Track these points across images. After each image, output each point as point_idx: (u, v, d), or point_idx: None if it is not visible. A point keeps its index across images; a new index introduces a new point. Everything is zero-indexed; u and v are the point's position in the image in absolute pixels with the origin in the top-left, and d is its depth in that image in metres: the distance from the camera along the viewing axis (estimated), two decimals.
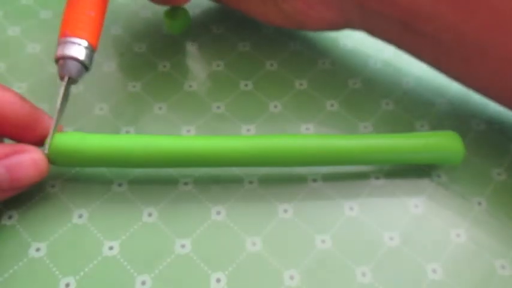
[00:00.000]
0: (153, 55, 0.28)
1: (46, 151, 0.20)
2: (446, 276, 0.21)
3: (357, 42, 0.29)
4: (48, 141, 0.20)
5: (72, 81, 0.21)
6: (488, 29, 0.20)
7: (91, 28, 0.21)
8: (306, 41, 0.29)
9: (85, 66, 0.21)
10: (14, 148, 0.20)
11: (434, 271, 0.21)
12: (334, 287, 0.20)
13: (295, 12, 0.24)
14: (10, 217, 0.21)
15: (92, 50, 0.21)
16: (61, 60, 0.21)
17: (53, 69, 0.27)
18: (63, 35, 0.21)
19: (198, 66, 0.28)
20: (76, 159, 0.21)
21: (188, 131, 0.25)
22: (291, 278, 0.20)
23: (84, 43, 0.21)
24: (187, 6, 0.30)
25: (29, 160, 0.20)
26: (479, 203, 0.23)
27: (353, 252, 0.21)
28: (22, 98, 0.20)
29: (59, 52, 0.21)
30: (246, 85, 0.27)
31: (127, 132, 0.25)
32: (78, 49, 0.21)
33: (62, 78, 0.21)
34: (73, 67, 0.21)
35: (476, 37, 0.20)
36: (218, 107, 0.26)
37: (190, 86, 0.27)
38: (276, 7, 0.25)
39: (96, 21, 0.22)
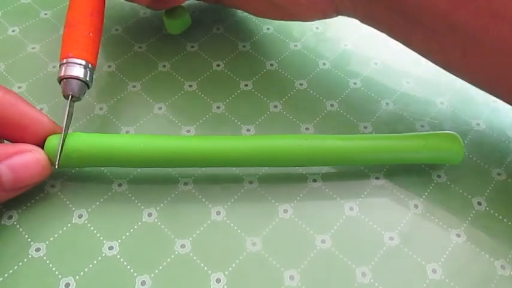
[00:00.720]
0: (153, 55, 0.28)
1: (56, 166, 0.21)
2: (446, 276, 0.21)
3: (357, 43, 0.29)
4: (57, 156, 0.21)
5: (75, 98, 0.22)
6: (481, 17, 0.20)
7: (90, 48, 0.23)
8: (306, 42, 0.29)
9: (87, 84, 0.23)
10: (17, 148, 0.20)
11: (434, 271, 0.21)
12: (334, 287, 0.20)
13: (284, 2, 0.24)
14: (10, 217, 0.21)
15: (92, 68, 0.23)
16: (64, 80, 0.22)
17: (53, 69, 0.27)
18: (65, 56, 0.22)
19: (198, 66, 0.28)
20: (76, 159, 0.21)
21: (188, 131, 0.25)
22: (291, 278, 0.20)
23: (85, 63, 0.22)
24: (187, 6, 0.30)
25: (32, 160, 0.20)
26: (479, 203, 0.23)
27: (353, 252, 0.21)
28: (23, 100, 0.21)
29: (62, 73, 0.22)
30: (246, 85, 0.27)
31: (127, 132, 0.25)
32: (79, 69, 0.22)
33: (66, 96, 0.22)
34: (76, 86, 0.22)
35: (468, 26, 0.20)
36: (218, 107, 0.26)
37: (190, 86, 0.27)
38: (267, 1, 0.25)
39: (95, 40, 0.23)
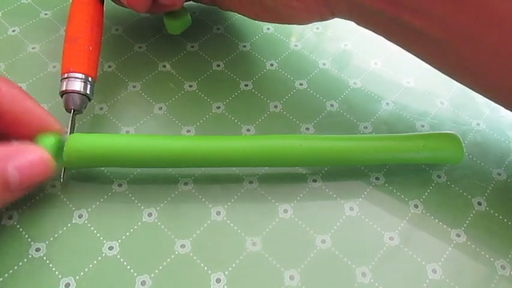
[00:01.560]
0: (153, 55, 0.28)
1: (62, 180, 0.22)
2: (446, 276, 0.21)
3: (357, 43, 0.29)
4: (62, 172, 0.22)
5: (77, 112, 0.23)
6: (479, 23, 0.20)
7: (91, 62, 0.24)
8: (306, 42, 0.29)
9: (88, 97, 0.23)
10: (21, 148, 0.20)
11: (434, 271, 0.21)
12: (334, 287, 0.20)
13: (277, 5, 0.24)
14: (10, 217, 0.21)
15: (92, 82, 0.23)
16: (66, 95, 0.23)
17: (53, 68, 0.27)
18: (66, 71, 0.23)
19: (198, 66, 0.28)
20: (76, 159, 0.21)
21: (188, 131, 0.25)
22: (291, 278, 0.20)
23: (86, 77, 0.23)
24: (187, 6, 0.30)
25: (37, 159, 0.20)
26: (479, 203, 0.23)
27: (353, 252, 0.21)
28: (21, 94, 0.21)
29: (64, 87, 0.23)
30: (246, 85, 0.27)
31: (127, 132, 0.25)
32: (80, 83, 0.23)
33: (68, 110, 0.23)
34: (77, 100, 0.23)
35: (466, 31, 0.20)
36: (218, 107, 0.26)
37: (190, 86, 0.27)
38: (261, 5, 0.25)
39: (94, 54, 0.24)
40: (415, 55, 0.24)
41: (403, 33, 0.22)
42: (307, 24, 0.26)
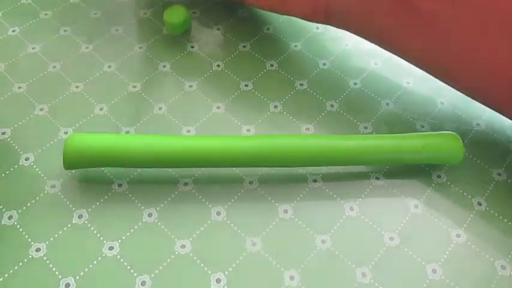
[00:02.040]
0: (153, 55, 0.28)
1: None
2: (446, 276, 0.21)
3: (357, 43, 0.29)
4: None
5: None
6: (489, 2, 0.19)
7: None
8: (306, 41, 0.29)
9: None
10: None
11: (434, 271, 0.21)
12: (334, 287, 0.20)
13: None
14: (10, 217, 0.21)
15: None
16: None
17: (53, 69, 0.27)
18: None
19: (198, 66, 0.28)
20: (76, 159, 0.21)
21: (188, 131, 0.25)
22: (291, 278, 0.20)
23: None
24: (187, 6, 0.30)
25: None
26: (479, 203, 0.23)
27: (353, 252, 0.21)
28: None
29: None
30: (246, 85, 0.27)
31: (127, 132, 0.25)
32: None
33: None
34: None
35: (475, 12, 0.20)
36: (218, 107, 0.26)
37: (191, 86, 0.27)
38: None
39: None
40: (410, 60, 0.23)
41: (404, 23, 0.22)
42: (298, 17, 0.26)
